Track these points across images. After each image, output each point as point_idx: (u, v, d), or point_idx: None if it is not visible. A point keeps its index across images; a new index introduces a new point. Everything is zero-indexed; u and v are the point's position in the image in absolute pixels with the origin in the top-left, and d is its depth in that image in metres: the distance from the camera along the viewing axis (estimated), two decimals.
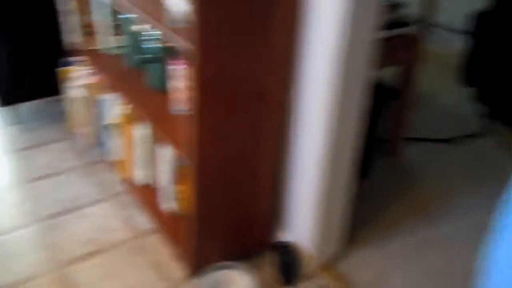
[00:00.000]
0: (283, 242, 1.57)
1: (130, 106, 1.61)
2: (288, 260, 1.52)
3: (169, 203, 1.70)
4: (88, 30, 1.94)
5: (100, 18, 1.87)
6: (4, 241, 1.70)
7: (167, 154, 1.61)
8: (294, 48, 1.34)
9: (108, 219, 1.82)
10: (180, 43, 1.21)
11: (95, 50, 1.97)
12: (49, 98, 2.42)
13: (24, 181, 2.01)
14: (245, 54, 1.23)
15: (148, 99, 1.64)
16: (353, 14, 1.19)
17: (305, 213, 1.53)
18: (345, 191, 1.56)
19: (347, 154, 1.47)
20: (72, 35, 1.94)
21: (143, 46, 1.66)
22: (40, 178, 2.03)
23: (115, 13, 1.85)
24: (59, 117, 2.47)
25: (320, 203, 1.47)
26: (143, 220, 1.82)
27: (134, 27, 1.70)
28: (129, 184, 1.86)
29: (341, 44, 1.22)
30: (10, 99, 2.31)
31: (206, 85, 1.21)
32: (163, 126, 1.50)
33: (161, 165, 1.74)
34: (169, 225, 1.68)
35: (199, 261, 1.52)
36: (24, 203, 1.89)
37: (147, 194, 1.80)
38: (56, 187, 1.98)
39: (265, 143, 1.43)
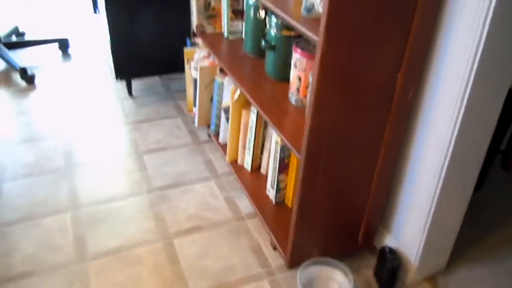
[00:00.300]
0: (387, 247, 1.52)
1: (244, 91, 1.63)
2: (390, 267, 1.46)
3: (272, 191, 1.71)
4: (213, 14, 1.99)
5: (224, 2, 1.91)
6: (116, 207, 1.82)
7: (274, 143, 1.62)
8: (430, 46, 1.26)
9: (212, 198, 1.88)
10: (306, 34, 1.19)
11: (217, 34, 2.02)
12: (166, 76, 2.56)
13: (137, 152, 2.14)
14: (375, 49, 1.18)
15: (263, 86, 1.65)
16: (499, 11, 1.08)
17: (415, 221, 1.46)
18: (461, 204, 1.46)
19: (470, 166, 1.36)
20: (197, 18, 2.01)
21: (265, 33, 1.66)
22: (152, 151, 2.15)
23: None
24: (173, 94, 2.59)
25: (433, 213, 1.39)
26: (245, 204, 1.85)
27: (258, 14, 1.71)
28: (235, 166, 1.90)
29: (483, 44, 1.12)
30: (131, 73, 2.47)
31: (328, 79, 1.19)
32: (274, 114, 1.50)
33: (268, 152, 1.75)
34: (270, 212, 1.69)
35: (297, 252, 1.52)
36: (136, 173, 2.01)
37: (251, 179, 1.83)
38: (166, 161, 2.09)
39: (383, 143, 1.38)
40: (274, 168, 1.66)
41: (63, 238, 1.67)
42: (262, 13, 1.70)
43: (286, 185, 1.69)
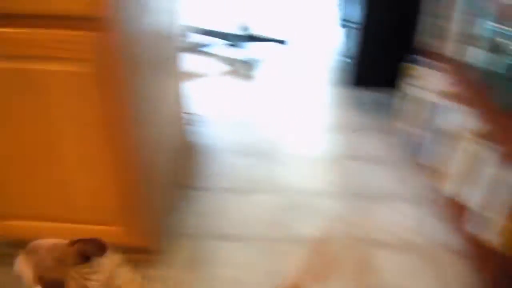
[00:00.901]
0: None
1: (480, 123, 1.54)
2: None
3: (480, 229, 1.59)
4: (442, 34, 1.92)
5: (461, 24, 1.82)
6: (311, 201, 1.93)
7: (504, 182, 1.50)
8: None
9: (406, 218, 1.85)
10: None
11: (447, 56, 1.95)
12: (388, 89, 2.57)
13: (343, 156, 2.22)
14: None
15: (503, 122, 1.53)
16: None
17: None
18: None
19: None
20: (424, 35, 1.97)
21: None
22: (356, 158, 2.20)
23: (489, 22, 1.78)
24: (388, 109, 2.57)
25: None
26: (440, 232, 1.78)
27: None
28: (438, 193, 1.82)
29: None
30: (363, 81, 2.56)
31: None
32: None
33: (489, 190, 1.63)
34: (479, 253, 1.57)
35: None
36: (336, 175, 2.09)
37: (455, 210, 1.73)
38: (366, 171, 2.12)
39: None
40: (497, 210, 1.53)
41: (263, 215, 1.84)
42: None
43: (506, 230, 1.55)
